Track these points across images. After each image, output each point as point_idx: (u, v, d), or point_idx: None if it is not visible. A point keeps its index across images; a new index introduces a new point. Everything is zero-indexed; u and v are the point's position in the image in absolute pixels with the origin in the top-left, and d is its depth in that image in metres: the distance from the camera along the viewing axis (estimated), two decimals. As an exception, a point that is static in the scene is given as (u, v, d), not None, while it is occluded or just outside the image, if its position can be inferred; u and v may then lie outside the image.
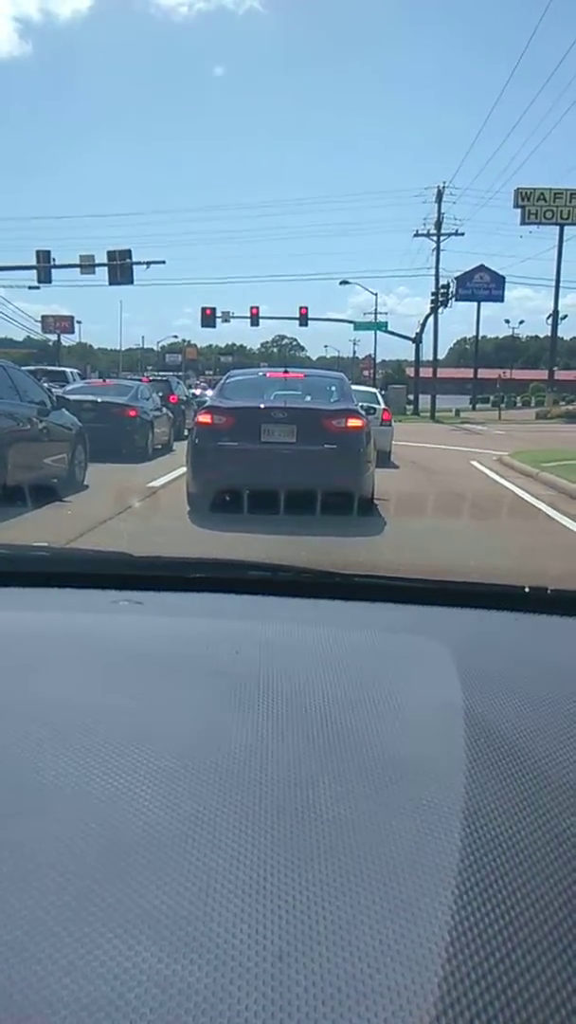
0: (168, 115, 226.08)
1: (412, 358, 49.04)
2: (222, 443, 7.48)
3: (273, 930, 0.52)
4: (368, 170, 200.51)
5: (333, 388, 8.67)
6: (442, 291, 44.34)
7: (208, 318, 45.89)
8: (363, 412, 8.26)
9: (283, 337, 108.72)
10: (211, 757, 0.74)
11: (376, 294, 69.00)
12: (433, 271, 44.83)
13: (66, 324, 57.13)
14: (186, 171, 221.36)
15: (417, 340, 47.49)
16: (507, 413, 42.97)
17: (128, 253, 33.31)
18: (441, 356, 51.00)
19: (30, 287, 37.33)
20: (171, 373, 30.98)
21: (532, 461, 13.63)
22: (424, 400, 43.87)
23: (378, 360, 66.83)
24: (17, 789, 0.68)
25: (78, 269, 34.50)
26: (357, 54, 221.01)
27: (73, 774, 0.70)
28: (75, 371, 27.91)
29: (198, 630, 1.15)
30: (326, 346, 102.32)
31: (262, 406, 7.74)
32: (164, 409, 16.23)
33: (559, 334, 51.11)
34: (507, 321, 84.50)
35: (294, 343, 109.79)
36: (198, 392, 27.41)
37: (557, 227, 45.01)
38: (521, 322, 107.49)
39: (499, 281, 48.32)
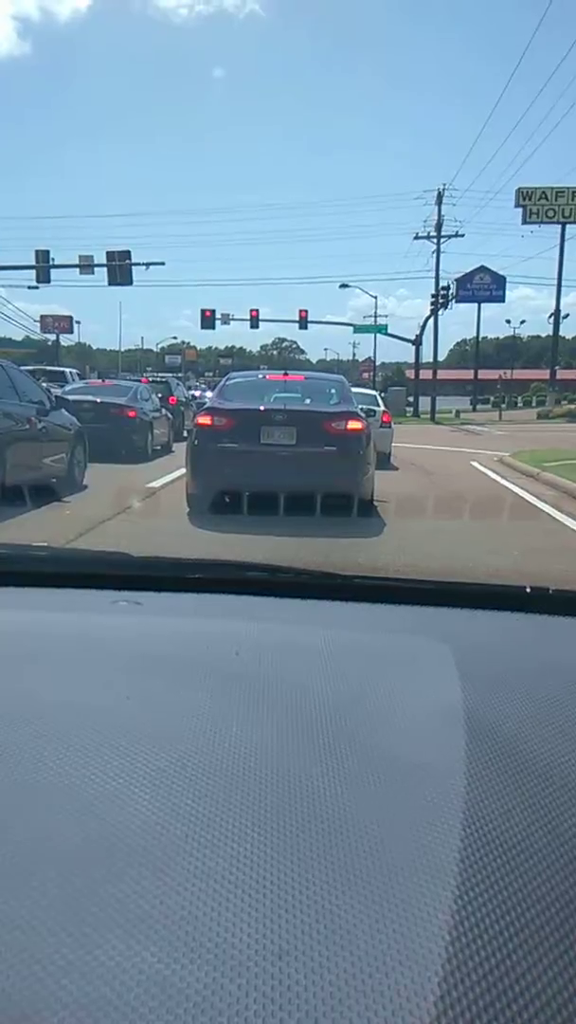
0: (168, 116, 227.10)
1: (412, 360, 49.06)
2: (222, 445, 7.48)
3: (273, 929, 0.52)
4: (368, 171, 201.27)
5: (333, 391, 8.67)
6: (442, 293, 44.43)
7: (208, 320, 45.97)
8: (363, 414, 8.26)
9: (283, 340, 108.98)
10: (210, 757, 0.73)
11: (376, 297, 68.85)
12: (433, 273, 44.99)
13: (65, 324, 57.19)
14: (186, 172, 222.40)
15: (417, 342, 47.55)
16: (508, 413, 43.03)
17: (127, 254, 33.41)
18: (441, 357, 51.16)
19: (29, 287, 37.51)
20: (170, 374, 30.94)
21: (533, 461, 13.62)
22: (424, 402, 43.96)
23: (378, 363, 67.09)
24: (16, 789, 0.68)
25: (77, 269, 34.58)
26: (357, 56, 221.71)
27: (72, 774, 0.70)
28: (74, 371, 27.91)
29: (197, 631, 1.15)
30: (326, 349, 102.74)
31: (262, 408, 7.75)
32: (163, 410, 16.24)
33: (561, 333, 51.22)
34: (508, 321, 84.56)
35: (294, 346, 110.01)
36: (197, 394, 27.40)
37: (559, 226, 45.06)
38: (522, 322, 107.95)
39: (500, 282, 48.33)
